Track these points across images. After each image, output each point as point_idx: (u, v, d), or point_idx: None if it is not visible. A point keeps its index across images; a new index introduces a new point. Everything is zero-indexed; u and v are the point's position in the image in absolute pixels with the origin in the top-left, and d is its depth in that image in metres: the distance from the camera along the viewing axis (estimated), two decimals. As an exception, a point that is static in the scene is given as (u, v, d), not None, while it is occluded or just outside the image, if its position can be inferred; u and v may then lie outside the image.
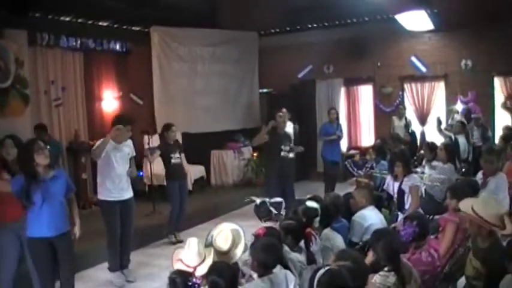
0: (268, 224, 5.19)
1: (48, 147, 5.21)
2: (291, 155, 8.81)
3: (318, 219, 4.94)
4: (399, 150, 7.06)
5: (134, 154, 7.08)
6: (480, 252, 4.01)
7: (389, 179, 6.58)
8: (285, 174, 8.77)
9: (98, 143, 6.67)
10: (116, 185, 6.72)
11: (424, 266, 4.17)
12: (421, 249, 4.30)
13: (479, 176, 6.59)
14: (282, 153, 8.69)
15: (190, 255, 3.89)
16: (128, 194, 6.89)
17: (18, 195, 4.99)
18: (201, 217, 9.77)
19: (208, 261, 3.92)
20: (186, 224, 9.05)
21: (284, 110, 9.23)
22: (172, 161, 8.57)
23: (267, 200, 5.45)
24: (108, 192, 6.73)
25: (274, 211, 5.41)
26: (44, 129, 9.13)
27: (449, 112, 11.76)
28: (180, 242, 8.18)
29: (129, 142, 6.97)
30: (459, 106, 11.89)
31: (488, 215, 3.98)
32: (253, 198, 5.81)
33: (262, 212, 5.40)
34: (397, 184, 6.27)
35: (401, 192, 6.17)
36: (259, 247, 3.90)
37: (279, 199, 5.54)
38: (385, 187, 6.54)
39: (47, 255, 5.17)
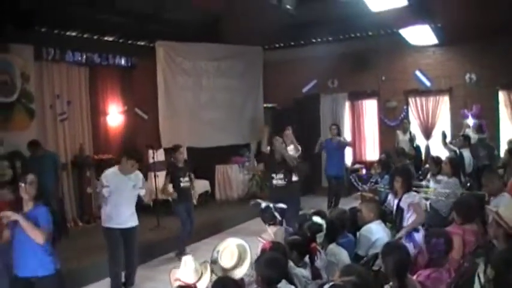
0: (273, 228, 5.32)
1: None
2: (281, 182, 8.67)
3: (321, 234, 4.92)
4: (401, 165, 6.99)
5: (143, 192, 7.06)
6: (496, 255, 3.97)
7: (390, 196, 6.38)
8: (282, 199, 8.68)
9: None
10: (118, 214, 6.72)
11: (443, 285, 4.13)
12: (442, 267, 4.25)
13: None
14: (274, 181, 8.63)
15: (188, 272, 3.90)
16: (131, 222, 6.88)
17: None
18: (206, 232, 9.75)
19: (207, 277, 3.94)
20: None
21: (288, 131, 9.29)
22: (182, 184, 8.58)
23: (271, 205, 5.48)
24: (110, 220, 6.72)
25: (278, 217, 5.44)
26: (37, 145, 9.03)
27: (461, 126, 11.71)
28: None
29: (139, 176, 6.96)
30: (470, 121, 11.84)
31: (509, 218, 4.02)
32: (259, 201, 5.84)
33: (266, 217, 5.44)
34: (395, 200, 6.09)
35: (399, 209, 5.97)
36: (263, 262, 3.89)
37: (283, 205, 5.58)
38: (386, 203, 6.32)
39: None
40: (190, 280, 3.86)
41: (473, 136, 10.91)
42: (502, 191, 5.92)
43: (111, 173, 6.70)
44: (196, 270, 3.92)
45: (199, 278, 3.90)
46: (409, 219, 5.83)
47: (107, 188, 6.56)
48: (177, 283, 3.86)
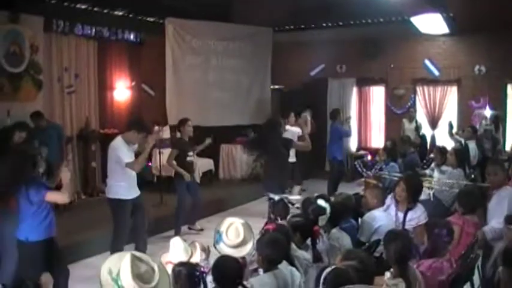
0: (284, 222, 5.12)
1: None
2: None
3: (324, 217, 4.94)
4: (409, 175, 6.39)
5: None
6: None
7: (389, 199, 5.59)
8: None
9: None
10: (129, 185, 6.73)
11: (444, 276, 4.15)
12: (442, 258, 4.27)
13: None
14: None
15: (177, 253, 3.94)
16: (138, 191, 6.92)
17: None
18: (208, 210, 9.77)
19: (197, 255, 4.00)
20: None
21: (292, 114, 9.34)
22: (188, 159, 8.62)
23: (284, 196, 5.43)
24: (124, 191, 6.69)
25: (292, 209, 5.40)
26: (40, 116, 8.95)
27: (467, 117, 11.66)
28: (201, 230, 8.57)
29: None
30: (488, 112, 11.79)
31: None
32: (272, 195, 5.81)
33: (279, 209, 5.37)
34: (400, 214, 5.34)
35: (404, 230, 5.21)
36: (265, 242, 3.92)
37: (297, 197, 5.49)
38: (383, 208, 5.56)
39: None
40: (182, 259, 3.88)
41: (489, 128, 10.89)
42: (506, 184, 5.81)
43: (122, 144, 6.62)
44: (186, 250, 3.96)
45: (190, 257, 3.94)
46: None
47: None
48: (169, 265, 3.87)
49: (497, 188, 5.59)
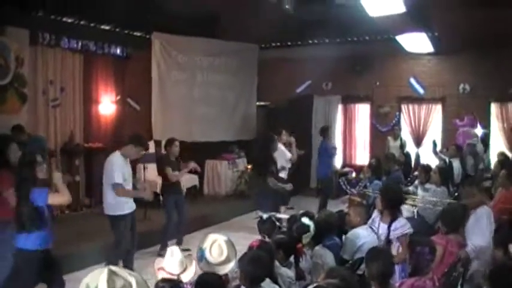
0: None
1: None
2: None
3: (307, 235, 4.93)
4: (385, 186, 6.43)
5: None
6: None
7: (375, 213, 5.58)
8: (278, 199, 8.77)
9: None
10: (126, 199, 6.78)
11: None
12: (425, 277, 4.27)
13: None
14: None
15: (173, 263, 3.88)
16: (134, 205, 7.00)
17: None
18: (192, 226, 9.69)
19: (191, 270, 3.92)
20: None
21: (284, 132, 9.37)
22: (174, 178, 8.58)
23: (272, 214, 5.40)
24: (124, 205, 6.76)
25: (280, 227, 5.36)
26: (21, 130, 8.84)
27: (452, 135, 11.69)
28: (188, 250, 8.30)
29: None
30: (479, 131, 11.87)
31: None
32: (260, 213, 5.78)
33: (267, 228, 5.34)
34: (383, 226, 5.29)
35: (389, 242, 5.26)
36: (247, 259, 3.90)
37: (285, 215, 5.46)
38: (369, 222, 5.54)
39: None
40: (175, 271, 3.83)
41: (480, 147, 10.95)
42: (483, 204, 5.85)
43: (118, 159, 6.70)
44: (182, 262, 3.91)
45: (184, 270, 3.89)
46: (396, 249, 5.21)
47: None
48: (161, 272, 3.85)
49: (474, 208, 5.66)
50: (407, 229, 5.12)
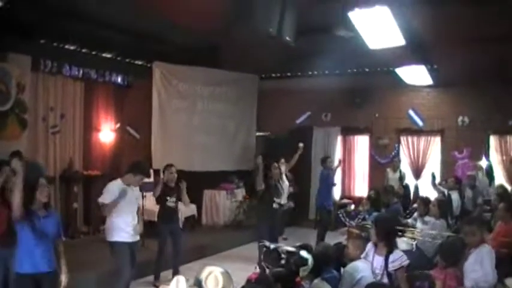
0: None
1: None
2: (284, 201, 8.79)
3: (305, 268, 4.87)
4: (378, 216, 6.21)
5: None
6: None
7: (370, 246, 5.33)
8: (275, 225, 8.74)
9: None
10: (127, 227, 6.73)
11: None
12: None
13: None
14: (274, 205, 8.65)
15: None
16: (138, 235, 6.96)
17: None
18: (190, 256, 9.62)
19: None
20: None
21: (282, 160, 9.35)
22: (167, 203, 8.48)
23: (278, 245, 5.31)
24: (122, 233, 6.71)
25: (282, 261, 5.28)
26: (19, 156, 8.89)
27: (475, 168, 11.65)
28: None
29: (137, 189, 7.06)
30: (483, 163, 11.87)
31: None
32: (267, 243, 5.71)
33: (271, 258, 5.27)
34: (379, 258, 5.08)
35: (389, 275, 5.00)
36: None
37: (292, 249, 5.34)
38: (362, 255, 5.34)
39: None
40: None
41: (485, 180, 10.93)
42: (483, 242, 5.73)
43: (115, 184, 6.72)
44: None
45: None
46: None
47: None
48: None
49: (475, 247, 5.45)
50: (405, 260, 4.94)
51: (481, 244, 5.49)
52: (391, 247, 5.02)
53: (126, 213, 6.70)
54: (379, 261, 5.04)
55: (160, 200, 8.48)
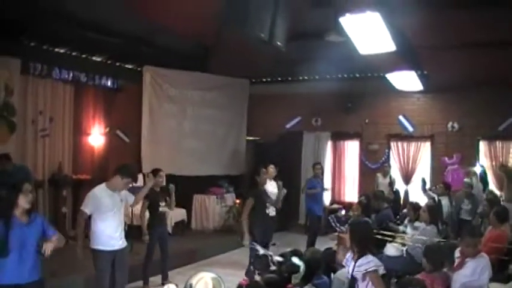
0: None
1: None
2: (273, 213, 8.73)
3: (297, 275, 4.85)
4: (356, 219, 6.15)
5: (130, 202, 6.97)
6: None
7: (349, 252, 5.16)
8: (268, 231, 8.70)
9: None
10: (109, 234, 6.45)
11: None
12: None
13: (456, 254, 5.74)
14: (267, 211, 8.61)
15: None
16: (123, 242, 6.63)
17: None
18: (179, 261, 9.59)
19: None
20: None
21: (272, 166, 9.32)
22: (160, 209, 8.42)
23: (270, 253, 5.26)
24: (103, 239, 6.42)
25: (272, 267, 5.23)
26: (7, 158, 8.73)
27: (469, 173, 11.65)
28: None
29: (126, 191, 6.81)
30: (478, 168, 11.90)
31: None
32: (256, 246, 5.67)
33: (260, 264, 5.22)
34: (352, 263, 4.96)
35: (352, 278, 4.95)
36: None
37: (281, 259, 5.28)
38: (343, 262, 5.22)
39: None
40: None
41: (479, 186, 10.91)
42: (480, 252, 5.70)
43: (98, 190, 6.43)
44: None
45: None
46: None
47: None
48: None
49: (471, 257, 5.44)
50: (373, 266, 4.73)
51: (478, 254, 5.49)
52: (362, 252, 4.89)
53: (111, 220, 6.43)
54: (351, 265, 4.94)
55: (152, 206, 8.40)
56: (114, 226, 6.47)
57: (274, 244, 10.14)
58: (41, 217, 5.22)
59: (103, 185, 6.51)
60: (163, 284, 8.33)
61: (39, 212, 9.63)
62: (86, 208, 6.35)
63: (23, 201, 4.87)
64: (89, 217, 6.47)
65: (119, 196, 6.56)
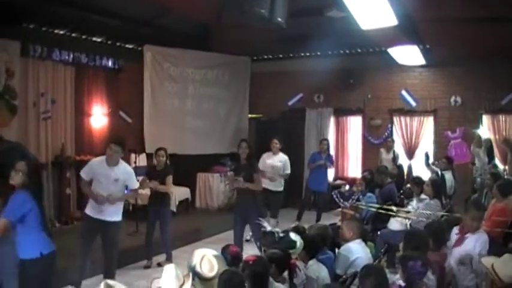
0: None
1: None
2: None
3: (293, 251, 4.86)
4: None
5: (134, 187, 7.13)
6: None
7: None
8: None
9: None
10: (96, 204, 6.70)
11: None
12: None
13: (454, 231, 5.73)
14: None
15: (169, 280, 3.82)
16: (110, 216, 6.79)
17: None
18: (184, 240, 9.67)
19: (188, 285, 3.85)
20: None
21: (275, 140, 9.37)
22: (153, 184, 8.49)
23: (277, 230, 5.28)
24: (90, 208, 6.80)
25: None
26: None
27: (473, 134, 11.67)
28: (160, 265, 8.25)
29: (128, 171, 6.97)
30: (481, 132, 11.95)
31: (504, 274, 4.04)
32: (263, 222, 5.70)
33: (267, 241, 5.24)
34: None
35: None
36: (221, 280, 3.83)
37: (288, 237, 5.28)
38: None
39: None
40: (172, 287, 3.79)
41: (483, 158, 10.88)
42: (480, 228, 5.67)
43: (97, 160, 6.89)
44: (178, 277, 3.85)
45: (182, 285, 3.83)
46: None
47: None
48: None
49: (472, 232, 5.43)
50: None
51: (478, 230, 5.48)
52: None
53: (101, 192, 6.66)
54: None
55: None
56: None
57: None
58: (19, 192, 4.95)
59: (103, 157, 6.81)
60: (158, 265, 8.37)
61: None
62: (83, 174, 6.87)
63: (12, 180, 4.87)
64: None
65: (114, 174, 6.74)
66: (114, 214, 6.85)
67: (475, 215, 5.52)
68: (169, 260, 8.42)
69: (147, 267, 8.43)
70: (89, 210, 6.79)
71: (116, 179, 6.75)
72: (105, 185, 6.72)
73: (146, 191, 8.88)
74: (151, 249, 8.57)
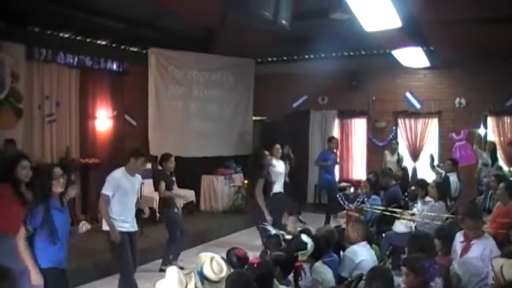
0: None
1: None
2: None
3: (303, 252, 4.87)
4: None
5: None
6: None
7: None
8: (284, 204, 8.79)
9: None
10: (124, 218, 6.54)
11: None
12: None
13: (459, 238, 5.63)
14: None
15: (172, 283, 3.84)
16: (133, 228, 6.72)
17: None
18: (189, 242, 9.61)
19: (191, 286, 3.88)
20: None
21: (278, 146, 9.36)
22: (173, 191, 8.55)
23: (281, 233, 5.29)
24: (120, 223, 6.51)
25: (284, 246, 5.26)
26: (14, 143, 8.89)
27: (473, 134, 11.69)
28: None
29: (140, 177, 6.89)
30: (481, 131, 11.98)
31: (510, 277, 4.03)
32: (268, 226, 5.71)
33: (272, 244, 5.25)
34: None
35: None
36: (229, 281, 3.84)
37: (290, 237, 5.31)
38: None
39: None
40: None
41: (486, 159, 10.84)
42: (484, 233, 5.62)
43: (118, 173, 6.51)
44: (181, 281, 3.87)
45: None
46: None
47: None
48: None
49: (477, 237, 5.39)
50: None
51: (482, 235, 5.45)
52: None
53: (128, 204, 6.54)
54: None
55: (168, 189, 8.48)
56: (129, 210, 6.58)
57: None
58: None
59: (122, 169, 6.58)
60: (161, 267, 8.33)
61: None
62: (107, 190, 6.41)
63: (57, 187, 5.06)
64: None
65: (137, 182, 6.68)
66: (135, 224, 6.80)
67: (470, 225, 5.46)
68: (175, 260, 8.42)
69: (162, 270, 8.34)
70: (122, 227, 6.50)
71: (137, 187, 6.77)
72: (131, 195, 6.60)
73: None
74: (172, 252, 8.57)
